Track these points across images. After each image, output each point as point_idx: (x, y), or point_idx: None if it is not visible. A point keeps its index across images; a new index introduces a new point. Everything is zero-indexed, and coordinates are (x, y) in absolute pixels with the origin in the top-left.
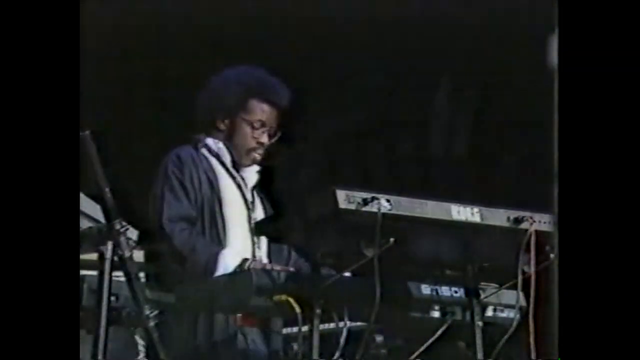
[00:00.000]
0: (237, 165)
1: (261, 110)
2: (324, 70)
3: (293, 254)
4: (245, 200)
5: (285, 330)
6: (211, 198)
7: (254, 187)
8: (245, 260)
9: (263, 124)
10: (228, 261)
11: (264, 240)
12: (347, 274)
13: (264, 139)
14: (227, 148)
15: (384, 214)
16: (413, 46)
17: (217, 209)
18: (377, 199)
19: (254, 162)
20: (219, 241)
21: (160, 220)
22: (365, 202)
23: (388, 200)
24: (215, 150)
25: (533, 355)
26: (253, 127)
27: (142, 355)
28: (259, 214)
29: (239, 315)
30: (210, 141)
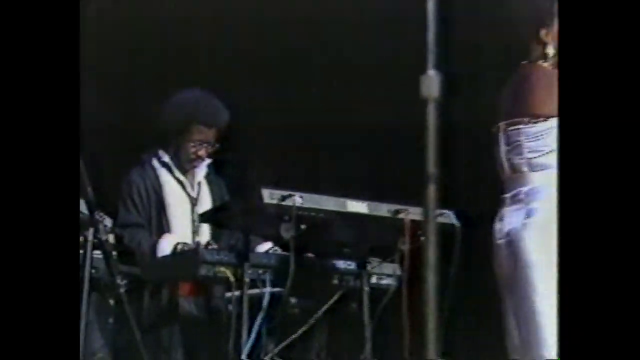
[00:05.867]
0: (183, 170)
1: (199, 132)
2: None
3: (232, 236)
4: (190, 197)
5: (227, 294)
6: (157, 204)
7: (200, 182)
8: (177, 243)
9: (202, 142)
10: (164, 246)
11: (207, 227)
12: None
13: (202, 153)
14: (172, 160)
15: (297, 207)
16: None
17: (162, 211)
18: (293, 195)
19: (195, 167)
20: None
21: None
22: (284, 198)
23: (301, 197)
24: (164, 161)
25: (404, 311)
26: (194, 145)
27: (112, 316)
28: (206, 205)
29: (182, 286)
30: (161, 153)
